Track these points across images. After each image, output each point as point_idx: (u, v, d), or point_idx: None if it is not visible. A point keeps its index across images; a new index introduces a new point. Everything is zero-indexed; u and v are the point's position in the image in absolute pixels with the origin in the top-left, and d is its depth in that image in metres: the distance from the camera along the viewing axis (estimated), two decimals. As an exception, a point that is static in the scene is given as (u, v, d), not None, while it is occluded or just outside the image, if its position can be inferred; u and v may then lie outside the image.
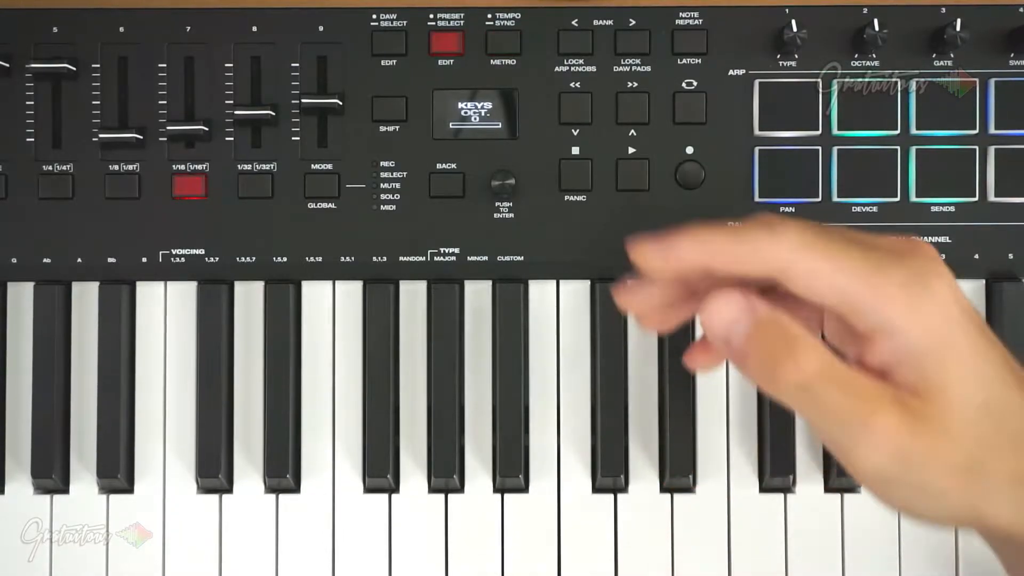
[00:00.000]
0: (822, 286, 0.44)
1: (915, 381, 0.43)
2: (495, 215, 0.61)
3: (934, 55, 0.61)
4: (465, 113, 0.61)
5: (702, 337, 0.51)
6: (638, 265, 0.47)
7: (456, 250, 0.61)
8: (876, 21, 0.59)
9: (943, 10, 0.61)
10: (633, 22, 0.61)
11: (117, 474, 0.60)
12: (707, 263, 0.46)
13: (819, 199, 0.61)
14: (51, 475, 0.60)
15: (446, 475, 0.60)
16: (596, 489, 0.61)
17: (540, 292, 0.62)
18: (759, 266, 0.44)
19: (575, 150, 0.61)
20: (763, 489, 0.61)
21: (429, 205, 0.61)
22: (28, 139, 0.61)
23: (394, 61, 0.61)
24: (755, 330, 0.44)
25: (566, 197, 0.61)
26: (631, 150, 0.61)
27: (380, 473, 0.60)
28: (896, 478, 0.43)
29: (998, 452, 0.43)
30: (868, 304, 0.43)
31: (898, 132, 0.61)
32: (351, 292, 0.62)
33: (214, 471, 0.60)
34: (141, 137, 0.61)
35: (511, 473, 0.60)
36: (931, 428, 0.42)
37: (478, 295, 0.62)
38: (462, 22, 0.61)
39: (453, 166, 0.61)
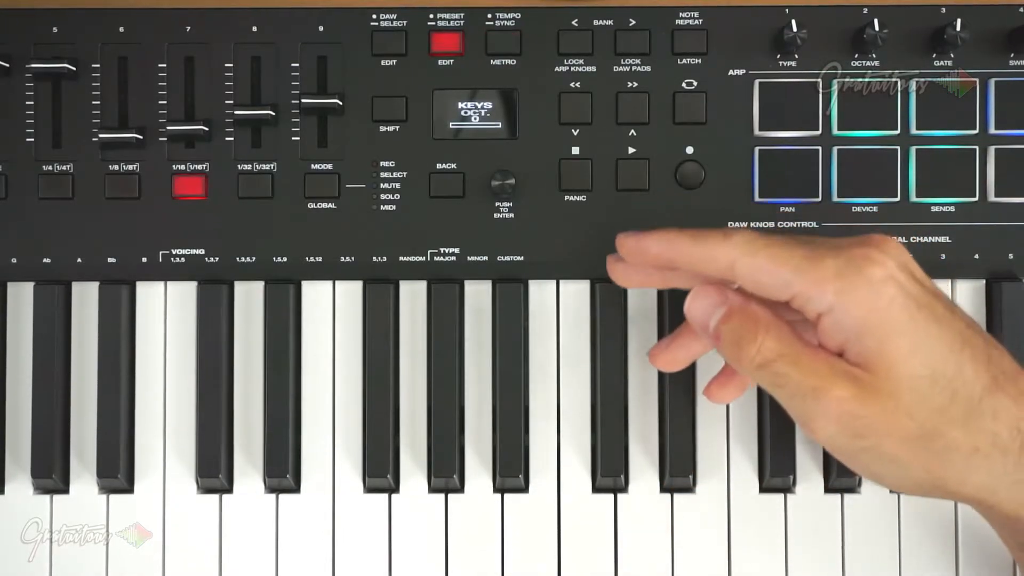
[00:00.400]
0: (767, 281, 0.49)
1: (862, 356, 0.48)
2: (495, 215, 0.61)
3: (934, 55, 0.61)
4: (465, 113, 0.61)
5: (720, 371, 0.58)
6: (619, 253, 0.55)
7: (456, 250, 0.61)
8: (876, 21, 0.59)
9: (943, 10, 0.61)
10: (633, 22, 0.61)
11: (117, 474, 0.60)
12: (670, 260, 0.53)
13: (819, 199, 0.61)
14: (51, 475, 0.60)
15: (446, 475, 0.60)
16: (596, 489, 0.61)
17: (540, 292, 0.62)
18: (711, 265, 0.51)
19: (575, 150, 0.61)
20: (763, 489, 0.61)
21: (429, 205, 0.61)
22: (28, 139, 0.61)
23: (394, 61, 0.61)
24: (726, 317, 0.51)
25: (566, 197, 0.61)
26: (631, 150, 0.61)
27: (380, 473, 0.60)
28: (852, 446, 0.48)
29: (952, 422, 0.47)
30: (806, 292, 0.48)
31: (898, 132, 0.61)
32: (351, 292, 0.62)
33: (214, 471, 0.60)
34: (141, 137, 0.61)
35: (511, 473, 0.60)
36: (880, 399, 0.47)
37: (478, 295, 0.62)
38: (462, 22, 0.61)
39: (453, 166, 0.61)
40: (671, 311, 0.61)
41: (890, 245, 0.49)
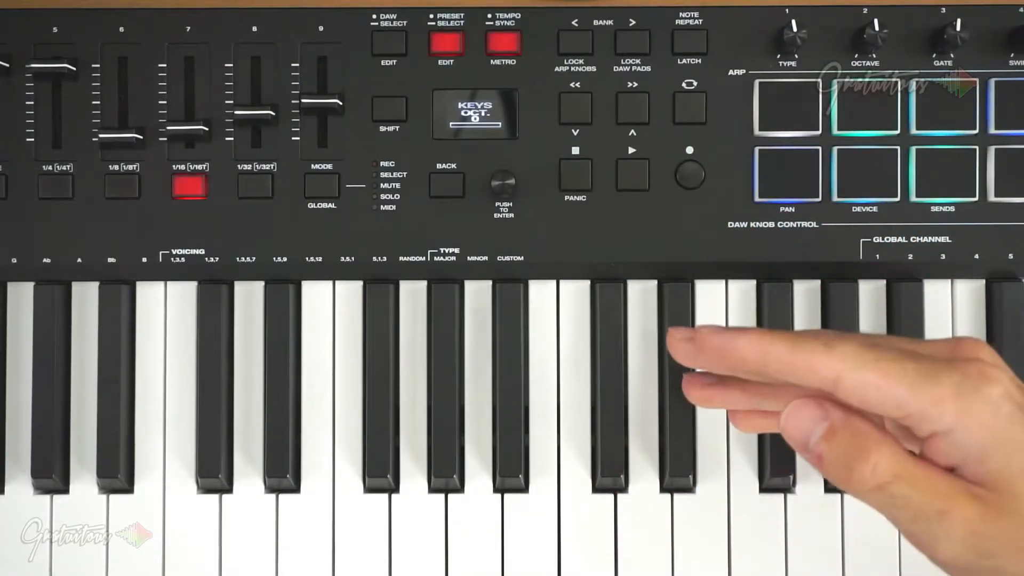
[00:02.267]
0: (876, 398, 0.46)
1: (983, 475, 0.45)
2: (495, 215, 0.61)
3: (934, 55, 0.61)
4: (465, 113, 0.61)
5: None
6: (700, 355, 0.52)
7: (456, 250, 0.61)
8: (876, 21, 0.59)
9: (943, 10, 0.61)
10: (633, 22, 0.61)
11: (117, 474, 0.60)
12: (762, 367, 0.49)
13: (819, 199, 0.61)
14: (51, 475, 0.60)
15: (446, 475, 0.60)
16: (596, 489, 0.61)
17: (540, 292, 0.62)
18: (811, 379, 0.47)
19: (575, 150, 0.61)
20: (763, 489, 0.61)
21: (429, 205, 0.61)
22: (28, 139, 0.61)
23: (394, 61, 0.61)
24: (830, 435, 0.47)
25: (566, 197, 0.61)
26: (631, 150, 0.61)
27: (380, 473, 0.60)
28: (977, 565, 0.45)
29: None
30: (923, 412, 0.45)
31: (898, 132, 0.61)
32: (351, 292, 0.62)
33: (214, 471, 0.60)
34: (141, 137, 0.61)
35: (511, 473, 0.60)
36: (1005, 516, 0.45)
37: (478, 295, 0.62)
38: (462, 22, 0.61)
39: (453, 166, 0.61)
40: (671, 311, 0.61)
41: (987, 352, 0.48)
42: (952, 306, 0.62)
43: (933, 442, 0.46)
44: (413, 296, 0.62)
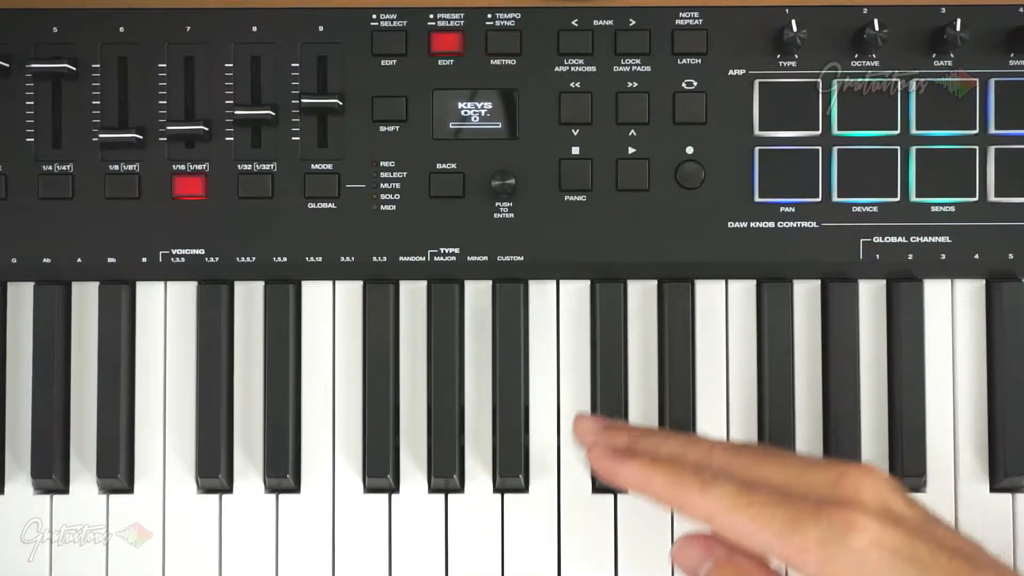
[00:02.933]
0: (747, 541, 0.49)
1: None
2: (495, 215, 0.61)
3: (934, 55, 0.61)
4: (465, 113, 0.61)
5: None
6: (592, 465, 0.55)
7: (456, 250, 0.61)
8: (876, 21, 0.59)
9: (943, 10, 0.61)
10: (633, 22, 0.61)
11: (117, 474, 0.60)
12: (644, 495, 0.52)
13: (819, 199, 0.61)
14: (51, 475, 0.60)
15: (446, 475, 0.60)
16: (596, 489, 0.61)
17: (540, 292, 0.62)
18: (687, 513, 0.50)
19: (575, 150, 0.61)
20: (763, 489, 0.61)
21: (429, 205, 0.61)
22: (28, 139, 0.61)
23: (394, 61, 0.61)
24: (716, 571, 0.51)
25: (566, 197, 0.61)
26: (631, 150, 0.61)
27: (380, 473, 0.60)
28: None
29: None
30: (789, 559, 0.48)
31: (898, 132, 0.61)
32: (351, 292, 0.62)
33: (214, 471, 0.60)
34: (141, 137, 0.61)
35: (511, 473, 0.60)
36: None
37: (478, 295, 0.62)
38: (462, 22, 0.61)
39: (453, 166, 0.61)
40: (671, 311, 0.61)
41: (870, 488, 0.48)
42: (952, 306, 0.62)
43: None
44: (413, 296, 0.62)
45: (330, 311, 0.62)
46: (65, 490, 0.62)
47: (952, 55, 0.61)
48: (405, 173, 0.61)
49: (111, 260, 0.61)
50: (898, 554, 0.46)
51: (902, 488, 0.49)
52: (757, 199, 0.61)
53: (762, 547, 0.48)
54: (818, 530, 0.47)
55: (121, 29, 0.61)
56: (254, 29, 0.61)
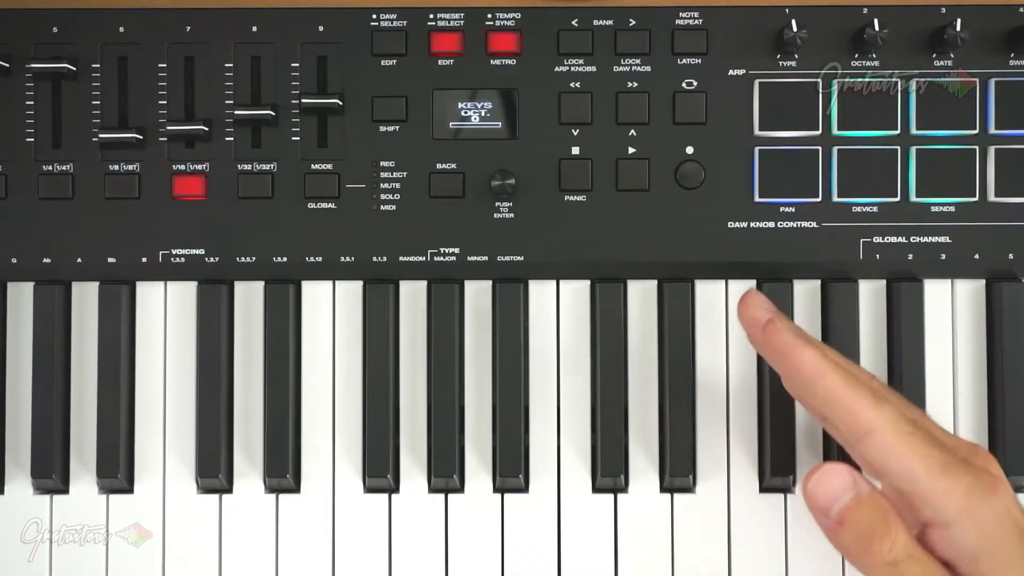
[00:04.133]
0: (895, 467, 0.49)
1: (974, 574, 0.48)
2: (495, 215, 0.61)
3: (934, 55, 0.61)
4: (465, 113, 0.61)
5: None
6: (762, 345, 0.55)
7: (456, 250, 0.61)
8: (876, 21, 0.59)
9: (943, 10, 0.61)
10: (633, 22, 0.61)
11: (117, 474, 0.60)
12: (810, 386, 0.51)
13: (819, 199, 0.61)
14: (51, 475, 0.60)
15: (446, 475, 0.60)
16: (596, 489, 0.61)
17: (540, 292, 0.62)
18: (846, 419, 0.50)
19: (575, 150, 0.61)
20: (763, 489, 0.61)
21: (429, 205, 0.61)
22: (28, 139, 0.61)
23: (394, 61, 0.61)
24: (856, 505, 0.49)
25: (566, 197, 0.61)
26: (631, 150, 0.61)
27: (380, 473, 0.60)
28: None
29: None
30: (931, 497, 0.48)
31: (898, 132, 0.61)
32: (351, 292, 0.62)
33: (214, 471, 0.60)
34: (141, 137, 0.61)
35: (511, 473, 0.60)
36: None
37: (478, 295, 0.62)
38: (462, 22, 0.61)
39: (453, 166, 0.61)
40: (671, 311, 0.61)
41: (999, 469, 0.50)
42: (952, 306, 0.62)
43: (930, 532, 0.49)
44: (413, 296, 0.62)
45: (330, 311, 0.62)
46: (65, 490, 0.62)
47: (952, 55, 0.61)
48: (405, 173, 0.61)
49: (111, 260, 0.61)
50: (1019, 527, 0.48)
51: None
52: (757, 199, 0.61)
53: (907, 479, 0.48)
54: (967, 480, 0.48)
55: (121, 29, 0.61)
56: (254, 29, 0.61)
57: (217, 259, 0.61)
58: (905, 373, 0.61)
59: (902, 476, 0.49)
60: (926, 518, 0.49)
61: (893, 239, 0.61)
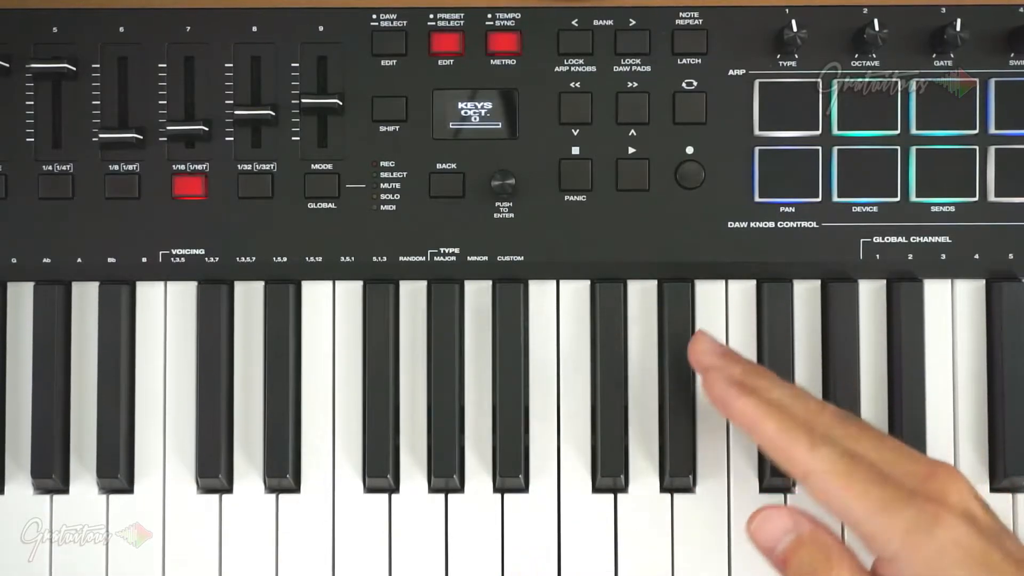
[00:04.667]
0: (835, 507, 0.50)
1: None
2: (495, 215, 0.61)
3: (934, 55, 0.61)
4: (465, 113, 0.61)
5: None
6: (705, 390, 0.56)
7: (456, 250, 0.61)
8: (876, 21, 0.59)
9: (943, 10, 0.61)
10: (633, 22, 0.61)
11: (117, 474, 0.60)
12: (749, 432, 0.53)
13: (819, 199, 0.61)
14: (51, 475, 0.60)
15: (446, 475, 0.60)
16: (596, 489, 0.61)
17: (540, 292, 0.62)
18: (784, 463, 0.51)
19: (575, 150, 0.61)
20: (763, 489, 0.61)
21: (429, 205, 0.61)
22: (28, 139, 0.61)
23: (394, 61, 0.61)
24: (797, 546, 0.51)
25: (566, 197, 0.61)
26: (631, 150, 0.61)
27: (380, 473, 0.60)
28: None
29: None
30: (873, 536, 0.49)
31: (898, 132, 0.61)
32: (351, 292, 0.62)
33: (214, 471, 0.60)
34: (141, 137, 0.61)
35: (511, 473, 0.60)
36: None
37: (478, 295, 0.62)
38: (462, 22, 0.61)
39: (453, 166, 0.61)
40: (671, 311, 0.61)
41: (956, 490, 0.49)
42: (952, 306, 0.62)
43: (878, 565, 0.50)
44: (413, 296, 0.62)
45: (330, 311, 0.62)
46: (65, 490, 0.62)
47: (952, 55, 0.61)
48: (405, 173, 0.61)
49: (111, 260, 0.61)
50: (972, 555, 0.48)
51: (980, 496, 0.50)
52: (757, 199, 0.61)
53: (848, 518, 0.49)
54: (907, 516, 0.48)
55: (121, 29, 0.61)
56: (254, 29, 0.61)
57: (217, 259, 0.61)
58: (905, 373, 0.61)
59: (842, 516, 0.50)
60: (874, 552, 0.49)
61: (893, 239, 0.61)
